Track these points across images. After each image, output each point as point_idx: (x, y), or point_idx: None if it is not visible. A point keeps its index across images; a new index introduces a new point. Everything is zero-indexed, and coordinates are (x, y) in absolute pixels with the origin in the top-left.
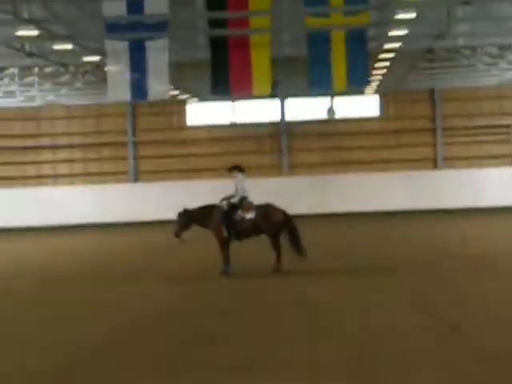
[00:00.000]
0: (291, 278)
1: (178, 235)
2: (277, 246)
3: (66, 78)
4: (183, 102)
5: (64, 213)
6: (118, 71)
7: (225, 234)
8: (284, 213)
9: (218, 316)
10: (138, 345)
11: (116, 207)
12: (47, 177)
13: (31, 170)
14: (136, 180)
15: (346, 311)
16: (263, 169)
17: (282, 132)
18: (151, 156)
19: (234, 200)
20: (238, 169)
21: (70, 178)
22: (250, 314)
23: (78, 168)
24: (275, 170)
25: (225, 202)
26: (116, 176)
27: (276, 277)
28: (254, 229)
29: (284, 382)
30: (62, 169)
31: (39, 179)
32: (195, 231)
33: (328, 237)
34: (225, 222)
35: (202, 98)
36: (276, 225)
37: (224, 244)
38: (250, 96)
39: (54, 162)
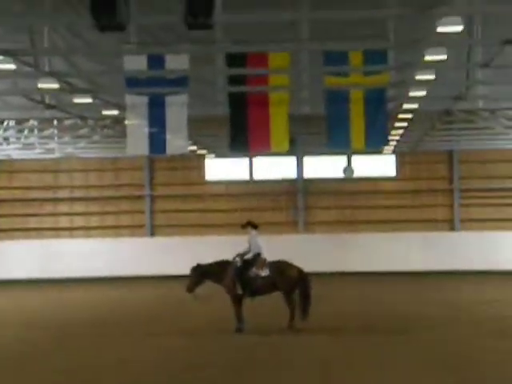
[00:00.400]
0: (305, 336)
1: (190, 290)
2: (290, 303)
3: (84, 130)
4: (201, 157)
5: (79, 266)
6: (137, 125)
7: (239, 290)
8: (298, 269)
9: (231, 373)
10: None
11: (132, 261)
12: (64, 229)
13: (48, 222)
14: (152, 234)
15: (359, 371)
16: (279, 226)
17: (299, 189)
18: (168, 210)
19: (248, 256)
20: (251, 225)
21: (87, 230)
22: (263, 371)
23: (94, 221)
24: (291, 227)
25: (238, 259)
26: (132, 229)
27: (291, 334)
28: (268, 285)
29: None
30: (79, 221)
31: (56, 231)
32: (210, 287)
33: (343, 295)
34: (238, 279)
35: (220, 154)
36: (291, 281)
37: (237, 301)
38: (267, 153)
39: (70, 214)
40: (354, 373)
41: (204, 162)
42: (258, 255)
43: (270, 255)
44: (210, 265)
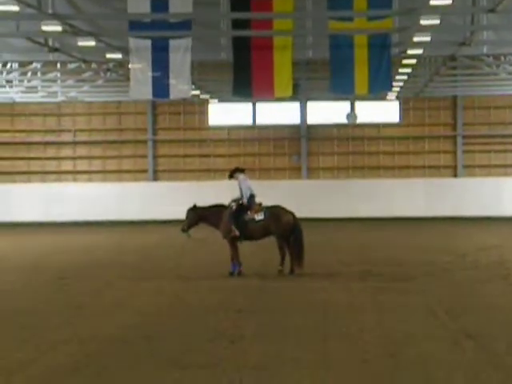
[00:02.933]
0: (306, 281)
1: (184, 230)
2: (283, 248)
3: (88, 74)
4: (204, 102)
5: (82, 209)
6: (141, 69)
7: (236, 232)
8: (293, 215)
9: (233, 315)
10: (155, 342)
11: (134, 205)
12: (67, 172)
13: (51, 166)
14: (155, 179)
15: (360, 314)
16: (282, 171)
17: (302, 135)
18: (170, 155)
19: (243, 201)
20: (238, 171)
21: (89, 174)
22: (262, 314)
23: (97, 165)
24: (294, 172)
25: (234, 204)
26: (135, 174)
27: (290, 279)
28: (263, 230)
29: (296, 382)
30: (82, 165)
31: (59, 175)
32: (208, 230)
33: (346, 241)
34: (234, 223)
35: (223, 99)
36: (286, 227)
37: (233, 244)
38: (271, 98)
39: (73, 158)
40: (354, 315)
41: (207, 107)
42: (251, 198)
43: (272, 200)
44: (207, 207)
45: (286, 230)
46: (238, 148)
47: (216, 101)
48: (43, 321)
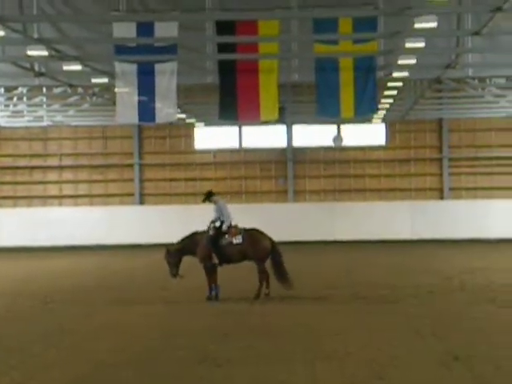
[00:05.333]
0: (292, 304)
1: (175, 275)
2: (263, 272)
3: (73, 98)
4: (190, 126)
5: (68, 233)
6: (127, 93)
7: (214, 259)
8: (270, 239)
9: (221, 338)
10: (144, 366)
11: (120, 229)
12: (53, 197)
13: (37, 190)
14: (141, 202)
15: (347, 336)
16: (269, 194)
17: (288, 158)
18: (157, 179)
19: (224, 226)
20: (213, 194)
21: (75, 198)
22: (249, 337)
23: (83, 189)
24: (280, 195)
25: (211, 228)
26: (121, 198)
27: (276, 302)
28: (240, 253)
29: None
30: (68, 189)
31: (45, 199)
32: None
33: (332, 264)
34: (212, 247)
35: (209, 123)
36: (264, 250)
37: (210, 269)
38: (257, 121)
39: (59, 182)
40: (341, 338)
41: (193, 131)
42: (230, 224)
43: (259, 223)
44: (180, 242)
45: (264, 254)
46: (225, 171)
47: (202, 124)
48: (29, 345)
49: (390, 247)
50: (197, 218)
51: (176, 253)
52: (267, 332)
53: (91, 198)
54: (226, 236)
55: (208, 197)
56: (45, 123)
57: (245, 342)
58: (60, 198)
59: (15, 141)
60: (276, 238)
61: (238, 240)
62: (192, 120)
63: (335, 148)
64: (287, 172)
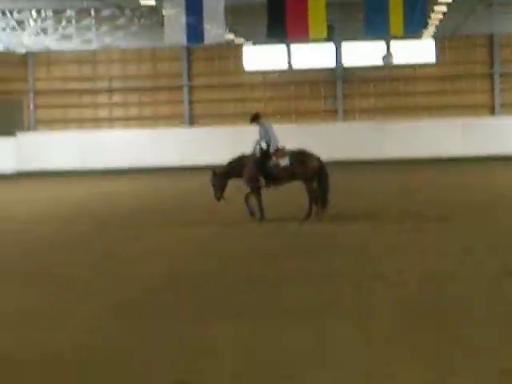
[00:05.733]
0: (342, 223)
1: (219, 198)
2: (311, 192)
3: (122, 21)
4: (239, 47)
5: (119, 156)
6: (175, 15)
7: (262, 181)
8: (318, 159)
9: (269, 260)
10: (191, 289)
11: (170, 151)
12: (103, 120)
13: (88, 113)
14: (191, 124)
15: (399, 255)
16: (318, 114)
17: (338, 77)
18: (206, 100)
19: (271, 148)
20: (258, 116)
21: (125, 121)
22: (298, 258)
23: (133, 111)
24: (330, 115)
25: (257, 150)
26: (171, 120)
27: (326, 222)
28: (288, 175)
29: (336, 325)
30: (118, 112)
31: (95, 122)
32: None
33: (383, 183)
34: (259, 170)
35: (257, 42)
36: (311, 170)
37: (257, 191)
38: (305, 39)
39: (109, 105)
40: (392, 257)
41: (242, 52)
42: (276, 146)
43: (308, 144)
44: (227, 165)
45: (312, 174)
46: (274, 92)
47: (251, 44)
48: (78, 270)
49: (440, 165)
50: (247, 138)
51: (222, 175)
52: (316, 253)
53: (141, 121)
54: (273, 158)
55: (254, 118)
56: (94, 46)
57: (293, 262)
58: (110, 121)
59: (64, 64)
60: (326, 157)
61: (284, 162)
62: (240, 40)
63: (385, 66)
64: (336, 91)
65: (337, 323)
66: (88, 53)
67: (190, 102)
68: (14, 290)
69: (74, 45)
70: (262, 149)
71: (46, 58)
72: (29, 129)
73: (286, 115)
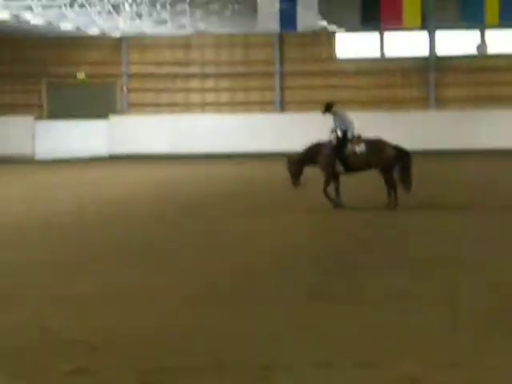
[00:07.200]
0: (428, 213)
1: (296, 185)
2: (388, 181)
3: (216, 6)
4: (331, 34)
5: (210, 141)
6: (269, 1)
7: (339, 168)
8: (396, 147)
9: (362, 243)
10: (281, 274)
11: (261, 137)
12: (195, 105)
13: (180, 98)
14: (282, 110)
15: (487, 245)
16: (410, 102)
17: (431, 66)
18: (298, 87)
19: (348, 135)
20: (331, 106)
21: (217, 106)
22: (390, 244)
23: (224, 97)
24: (422, 103)
25: (333, 136)
26: (262, 106)
27: (415, 211)
28: (364, 163)
29: (427, 310)
30: (210, 97)
31: (187, 107)
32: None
33: (475, 173)
34: (336, 156)
35: (351, 29)
36: (387, 159)
37: (333, 177)
38: (399, 26)
39: (202, 90)
40: (479, 245)
41: (334, 39)
42: (352, 133)
43: (400, 132)
44: (303, 152)
45: (388, 163)
46: (366, 80)
47: (343, 31)
48: (175, 251)
49: None
50: None
51: (297, 162)
52: (406, 240)
53: (233, 106)
54: (349, 145)
55: (328, 108)
56: (187, 31)
57: (385, 248)
58: (202, 106)
59: (158, 48)
60: (417, 146)
61: (360, 149)
62: (333, 27)
63: (479, 56)
64: (429, 80)
65: (435, 313)
66: (182, 38)
67: (281, 89)
68: (121, 266)
69: (167, 29)
70: (338, 137)
71: (140, 43)
72: (122, 112)
73: (377, 103)
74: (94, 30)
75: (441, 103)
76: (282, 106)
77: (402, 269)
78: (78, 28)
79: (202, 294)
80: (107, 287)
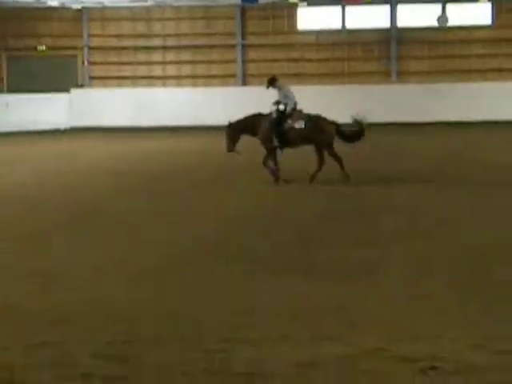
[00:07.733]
0: (388, 185)
1: (230, 150)
2: (321, 158)
3: None
4: (293, 6)
5: (172, 114)
6: None
7: (274, 142)
8: (335, 124)
9: (315, 221)
10: (237, 243)
11: (223, 110)
12: (157, 78)
13: (142, 71)
14: (244, 83)
15: (446, 216)
16: (371, 75)
17: (392, 38)
18: (259, 59)
19: (288, 109)
20: (275, 80)
21: (179, 79)
22: (346, 220)
23: (186, 69)
24: (383, 76)
25: (274, 109)
26: (224, 79)
27: (368, 184)
28: (302, 139)
29: (388, 282)
30: (171, 70)
31: (149, 80)
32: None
33: (436, 145)
34: (274, 131)
35: (312, 2)
36: (327, 136)
37: (272, 152)
38: (361, 1)
39: (163, 63)
40: (449, 216)
41: (296, 11)
42: (294, 108)
43: (362, 105)
44: (243, 119)
45: (329, 139)
46: (327, 52)
47: (305, 4)
48: (138, 222)
49: (497, 128)
50: (299, 99)
51: (236, 129)
52: (363, 214)
53: (194, 79)
54: (289, 120)
55: (271, 82)
56: (148, 3)
57: (340, 224)
58: (164, 79)
59: (119, 21)
60: (379, 119)
61: (300, 125)
62: (295, 0)
63: (440, 28)
64: (390, 53)
65: (401, 283)
66: (142, 10)
67: (243, 62)
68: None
69: (128, 1)
70: (278, 109)
71: (101, 14)
72: (83, 85)
73: (338, 76)
74: (53, 2)
75: (402, 76)
76: (244, 79)
77: (361, 241)
78: None
79: (160, 265)
80: (63, 261)
